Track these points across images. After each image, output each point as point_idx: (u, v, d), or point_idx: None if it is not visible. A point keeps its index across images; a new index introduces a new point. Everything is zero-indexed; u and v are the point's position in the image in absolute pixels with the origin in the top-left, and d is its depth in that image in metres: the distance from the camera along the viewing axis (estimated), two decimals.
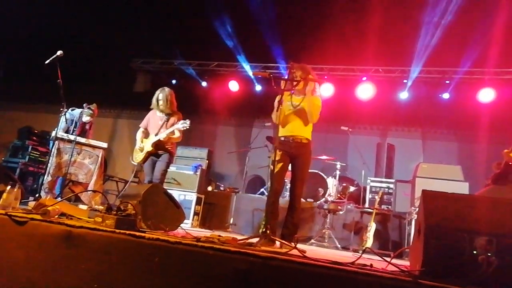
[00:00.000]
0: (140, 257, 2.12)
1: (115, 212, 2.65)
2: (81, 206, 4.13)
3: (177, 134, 4.73)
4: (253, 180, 8.31)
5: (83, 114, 5.79)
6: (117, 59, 8.52)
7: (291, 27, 7.22)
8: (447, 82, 7.45)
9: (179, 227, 3.36)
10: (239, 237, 3.19)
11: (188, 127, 4.64)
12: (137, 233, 2.33)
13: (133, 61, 9.19)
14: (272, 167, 3.43)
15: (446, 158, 7.28)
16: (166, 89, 4.87)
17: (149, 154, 4.81)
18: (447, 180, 5.49)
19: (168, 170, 6.52)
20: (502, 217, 2.20)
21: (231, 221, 6.47)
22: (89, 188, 5.48)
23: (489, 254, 2.09)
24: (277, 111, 3.43)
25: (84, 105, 5.86)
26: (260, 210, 6.18)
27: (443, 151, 7.80)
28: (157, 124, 4.82)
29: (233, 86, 8.76)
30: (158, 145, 4.75)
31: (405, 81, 7.67)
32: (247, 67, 8.52)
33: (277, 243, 3.22)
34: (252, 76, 8.67)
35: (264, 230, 2.98)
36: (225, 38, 7.69)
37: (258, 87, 8.90)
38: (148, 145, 4.78)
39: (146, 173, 4.92)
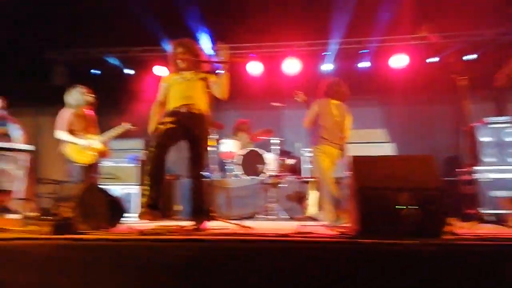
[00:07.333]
0: (83, 260, 2.06)
1: (51, 218, 2.52)
2: (11, 216, 3.84)
3: None
4: None
5: None
6: (30, 51, 7.74)
7: (215, 8, 7.08)
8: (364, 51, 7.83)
9: (124, 222, 3.29)
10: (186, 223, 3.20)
11: None
12: (77, 236, 2.25)
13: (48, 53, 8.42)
14: None
15: (372, 123, 7.78)
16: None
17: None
18: (375, 143, 5.89)
19: (105, 164, 6.33)
20: (419, 172, 2.46)
21: (177, 208, 6.39)
22: (19, 196, 5.07)
23: (414, 207, 2.34)
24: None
25: None
26: None
27: (368, 116, 8.31)
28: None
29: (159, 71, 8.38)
30: None
31: (326, 53, 7.91)
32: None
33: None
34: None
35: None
36: (147, 22, 7.32)
37: None
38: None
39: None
